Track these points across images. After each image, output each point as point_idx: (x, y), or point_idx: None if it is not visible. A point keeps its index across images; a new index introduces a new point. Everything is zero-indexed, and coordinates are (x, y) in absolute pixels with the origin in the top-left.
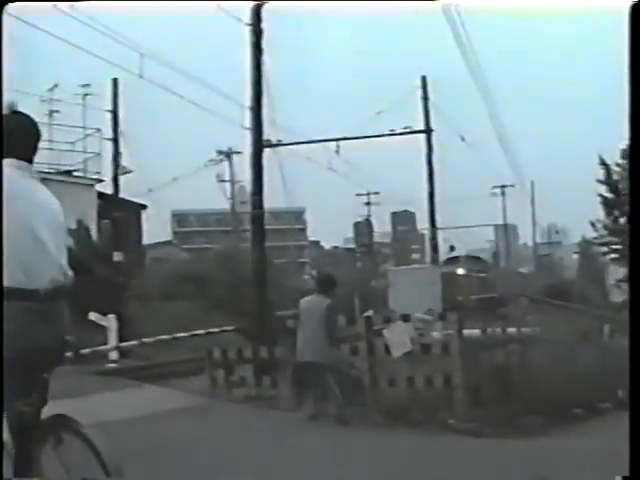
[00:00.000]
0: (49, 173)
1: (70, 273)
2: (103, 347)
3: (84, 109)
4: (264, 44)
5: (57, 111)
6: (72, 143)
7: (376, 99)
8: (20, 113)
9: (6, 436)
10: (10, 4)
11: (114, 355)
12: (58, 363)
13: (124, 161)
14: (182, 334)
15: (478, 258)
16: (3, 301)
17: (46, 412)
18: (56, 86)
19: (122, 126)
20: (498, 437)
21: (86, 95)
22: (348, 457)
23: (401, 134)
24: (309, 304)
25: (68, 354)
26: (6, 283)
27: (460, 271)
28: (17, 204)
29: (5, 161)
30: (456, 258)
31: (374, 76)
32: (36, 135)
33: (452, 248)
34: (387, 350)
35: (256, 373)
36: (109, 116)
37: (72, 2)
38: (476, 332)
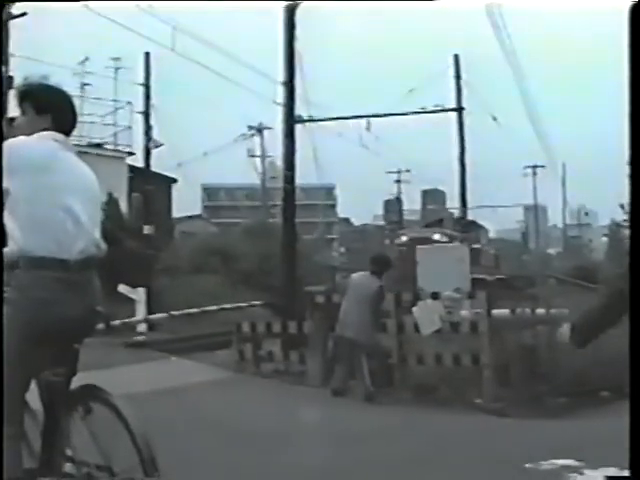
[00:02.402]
0: (80, 146)
1: (103, 245)
2: (132, 319)
3: (115, 82)
4: (297, 19)
5: (88, 84)
6: (103, 116)
7: (408, 76)
8: (56, 87)
9: (36, 405)
10: (10, 4)
11: (142, 327)
12: (88, 334)
13: (155, 134)
14: (211, 308)
15: (473, 223)
16: (34, 270)
17: (75, 382)
18: (87, 59)
19: (153, 99)
20: (524, 417)
21: (117, 68)
22: (374, 434)
23: (432, 112)
24: (360, 281)
25: (99, 325)
26: (38, 252)
27: (436, 236)
28: (53, 176)
29: (44, 134)
30: (440, 221)
31: (406, 53)
32: (73, 109)
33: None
34: (416, 328)
35: (284, 348)
36: (140, 89)
37: (73, 2)
38: (505, 312)
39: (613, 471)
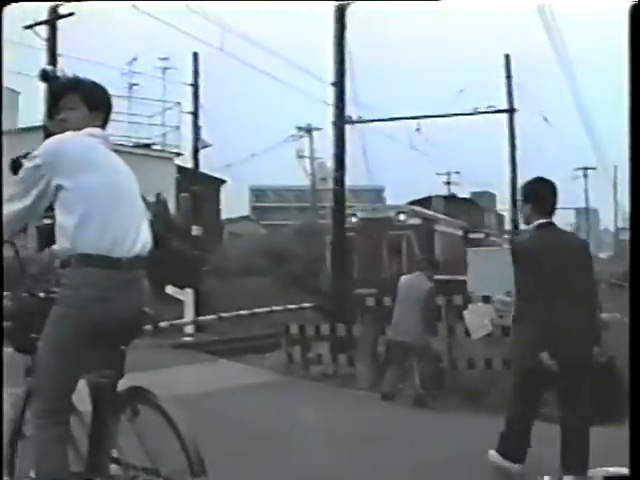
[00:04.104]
0: (128, 146)
1: (150, 245)
2: (180, 321)
3: (164, 82)
4: (347, 19)
5: (136, 84)
6: (151, 116)
7: (459, 77)
8: (102, 85)
9: (83, 407)
10: (10, 4)
11: (190, 329)
12: (136, 335)
13: (204, 135)
14: (259, 310)
15: (470, 202)
16: (87, 268)
17: (122, 384)
18: (136, 59)
19: (202, 100)
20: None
21: (166, 68)
22: (423, 438)
23: (483, 113)
24: (410, 283)
25: (147, 327)
26: (89, 250)
27: (401, 217)
28: (102, 172)
29: (93, 131)
30: (427, 200)
31: (457, 54)
32: (110, 104)
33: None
34: (467, 332)
35: (333, 351)
36: (189, 90)
37: (73, 2)
38: None
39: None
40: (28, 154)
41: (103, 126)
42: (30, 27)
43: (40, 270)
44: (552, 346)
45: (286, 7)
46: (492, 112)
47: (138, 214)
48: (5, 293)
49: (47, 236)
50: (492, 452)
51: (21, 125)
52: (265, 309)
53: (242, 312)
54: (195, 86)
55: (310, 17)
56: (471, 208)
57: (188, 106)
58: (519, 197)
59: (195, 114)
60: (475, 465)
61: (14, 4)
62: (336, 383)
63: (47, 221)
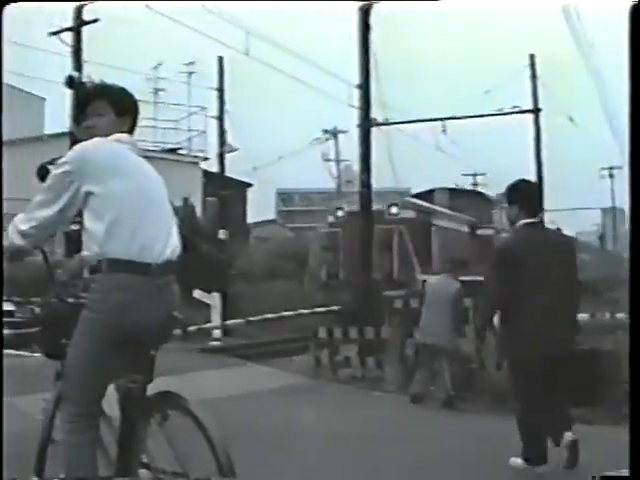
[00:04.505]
0: (154, 151)
1: (179, 250)
2: (208, 325)
3: (189, 87)
4: (371, 20)
5: (162, 89)
6: (177, 121)
7: (484, 78)
8: (129, 90)
9: (112, 412)
10: (10, 4)
11: (218, 333)
12: (166, 340)
13: (229, 139)
14: (287, 313)
15: (478, 194)
16: (117, 273)
17: (151, 388)
18: (160, 65)
19: (227, 104)
20: (607, 424)
21: (191, 73)
22: (453, 440)
23: (509, 114)
24: (437, 285)
25: (176, 331)
26: (119, 255)
27: (393, 210)
28: (130, 178)
29: (121, 137)
30: (430, 192)
31: (482, 54)
32: (136, 110)
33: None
34: (495, 333)
35: (361, 354)
36: (214, 94)
37: (73, 2)
38: (584, 316)
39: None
40: (55, 161)
41: (130, 132)
42: (55, 34)
43: (69, 276)
44: (534, 341)
45: (310, 9)
46: (517, 112)
47: (167, 219)
48: (34, 299)
49: (75, 242)
50: (513, 459)
51: (47, 131)
52: (292, 312)
53: (269, 316)
54: (220, 90)
55: (335, 19)
56: (480, 202)
57: (214, 110)
58: (505, 199)
59: (221, 118)
60: (505, 466)
61: (14, 4)
62: (364, 386)
63: (74, 227)
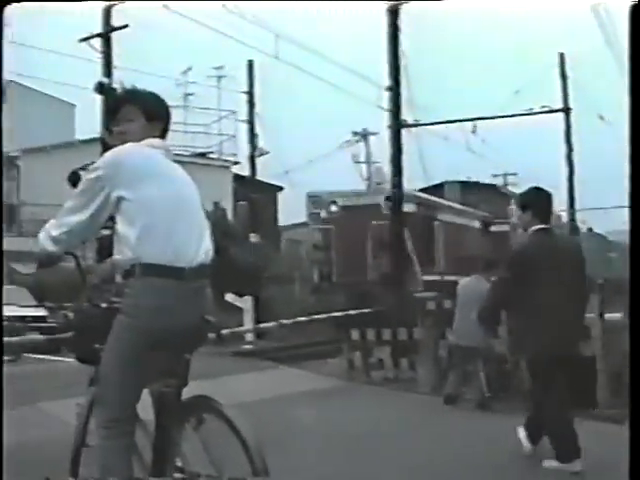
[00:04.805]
0: (185, 155)
1: (212, 253)
2: (240, 328)
3: (219, 91)
4: (400, 21)
5: (192, 94)
6: (207, 125)
7: (514, 77)
8: (159, 95)
9: (146, 416)
10: (10, 4)
11: (250, 336)
12: (200, 343)
13: (260, 143)
14: (319, 316)
15: (493, 187)
16: (151, 278)
17: (185, 392)
18: (190, 69)
19: (257, 107)
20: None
21: (220, 77)
22: (487, 440)
23: (539, 113)
24: (469, 286)
25: (210, 335)
26: (152, 260)
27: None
28: (162, 183)
29: (153, 141)
30: (439, 186)
31: (511, 54)
32: (167, 114)
33: (590, 230)
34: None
35: (394, 355)
36: (244, 98)
37: (73, 2)
38: (618, 315)
39: None
40: (86, 166)
41: (162, 136)
42: (85, 40)
43: (101, 280)
44: (547, 340)
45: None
46: (547, 112)
47: (200, 223)
48: (67, 304)
49: (106, 247)
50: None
51: (78, 138)
52: (325, 315)
53: (302, 318)
54: (250, 94)
55: (364, 20)
56: (494, 196)
57: (244, 114)
58: (518, 206)
59: (251, 122)
60: (540, 466)
61: (15, 4)
62: (398, 387)
63: (106, 232)
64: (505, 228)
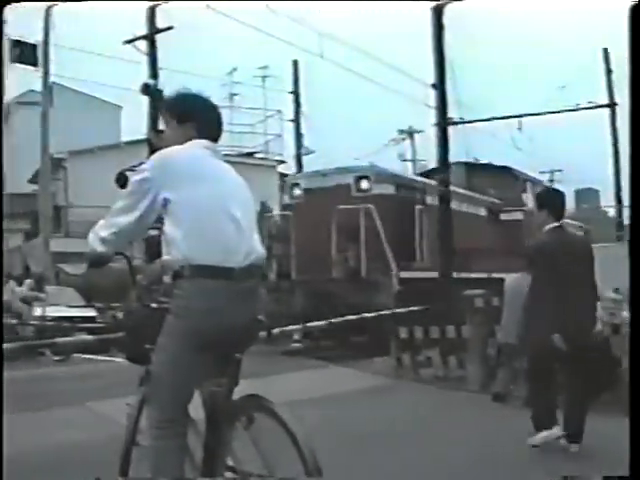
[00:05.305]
0: (231, 155)
1: (262, 252)
2: (290, 327)
3: (264, 91)
4: (445, 19)
5: (237, 94)
6: (253, 125)
7: (559, 73)
8: (194, 95)
9: (195, 414)
10: (10, 4)
11: (299, 335)
12: (251, 343)
13: (305, 142)
14: (368, 314)
15: (506, 169)
16: (200, 279)
17: (235, 392)
18: (235, 70)
19: (303, 107)
20: None
21: (265, 77)
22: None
23: (584, 109)
24: (515, 284)
25: (262, 334)
26: (202, 261)
27: (364, 185)
28: (210, 183)
29: (194, 142)
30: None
31: (556, 50)
32: (215, 115)
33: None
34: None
35: (442, 353)
36: (289, 97)
37: (73, 2)
38: None
39: None
40: (133, 167)
41: (207, 137)
42: (129, 42)
43: (150, 281)
44: (562, 328)
45: (383, 10)
46: (593, 107)
47: (250, 223)
48: (115, 305)
49: (154, 247)
50: (532, 439)
51: (124, 139)
52: (373, 314)
53: (350, 317)
54: (296, 93)
55: (408, 19)
56: (506, 179)
57: (289, 113)
58: (536, 205)
59: (296, 121)
60: (589, 461)
61: (15, 4)
62: (446, 386)
63: (153, 232)
64: (518, 216)
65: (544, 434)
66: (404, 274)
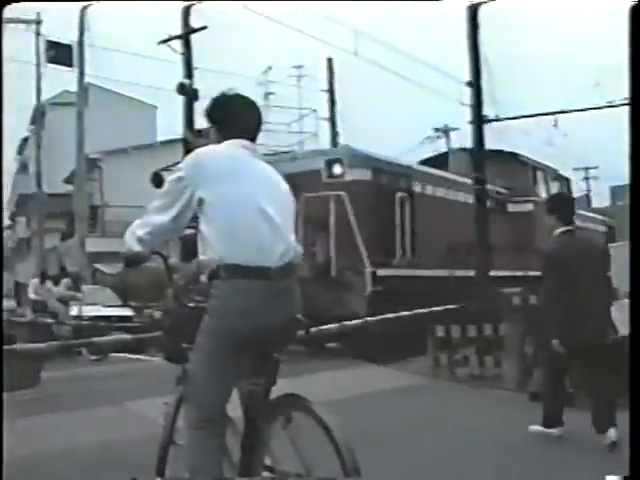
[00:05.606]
0: (267, 154)
1: (299, 251)
2: (327, 326)
3: (299, 90)
4: (481, 18)
5: (272, 93)
6: (288, 124)
7: (594, 70)
8: (242, 95)
9: (233, 413)
10: (10, 4)
11: (337, 334)
12: (289, 342)
13: (341, 140)
14: (405, 313)
15: (513, 155)
16: (236, 279)
17: (273, 391)
18: (270, 69)
19: (338, 105)
20: None
21: (300, 76)
22: (573, 437)
23: (619, 105)
24: None
25: (300, 333)
26: (237, 261)
27: (337, 170)
28: (246, 182)
29: (232, 142)
30: (443, 156)
31: (591, 47)
32: (258, 116)
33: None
34: (614, 329)
35: (479, 352)
36: (324, 96)
37: (73, 2)
38: None
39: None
40: (169, 167)
41: (245, 136)
42: (164, 42)
43: (187, 280)
44: (562, 333)
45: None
46: (627, 104)
47: (286, 223)
48: (152, 304)
49: (190, 246)
50: (532, 427)
51: (160, 139)
52: (410, 312)
53: (387, 316)
54: (331, 92)
55: (443, 17)
56: (514, 167)
57: (324, 112)
58: (546, 210)
59: (332, 120)
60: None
61: (15, 4)
62: (483, 384)
63: (189, 231)
64: (528, 207)
65: (544, 430)
66: (381, 272)
